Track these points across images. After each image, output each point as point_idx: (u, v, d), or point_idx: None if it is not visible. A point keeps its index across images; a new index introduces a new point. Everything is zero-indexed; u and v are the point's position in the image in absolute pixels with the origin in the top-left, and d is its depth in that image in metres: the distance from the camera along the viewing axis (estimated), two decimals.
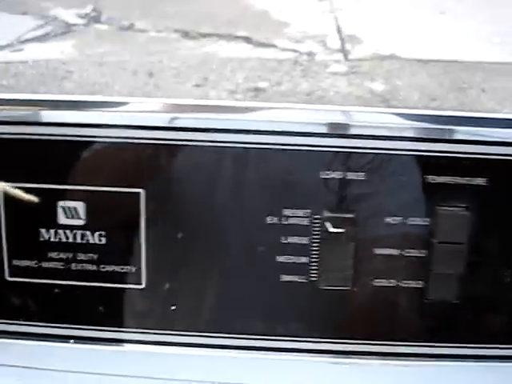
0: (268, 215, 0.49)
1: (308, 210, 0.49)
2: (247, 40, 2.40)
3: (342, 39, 2.48)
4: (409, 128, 0.48)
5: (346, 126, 0.49)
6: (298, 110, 0.50)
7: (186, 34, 2.42)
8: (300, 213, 0.49)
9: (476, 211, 0.48)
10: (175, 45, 2.24)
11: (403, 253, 0.49)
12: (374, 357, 0.51)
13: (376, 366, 0.51)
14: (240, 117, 0.49)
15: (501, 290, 0.50)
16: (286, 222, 0.49)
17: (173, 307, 0.51)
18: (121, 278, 0.51)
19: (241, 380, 0.52)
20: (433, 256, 0.49)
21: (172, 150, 0.49)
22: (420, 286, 0.50)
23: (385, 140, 0.48)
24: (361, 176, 0.48)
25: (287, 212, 0.49)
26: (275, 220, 0.49)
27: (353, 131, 0.48)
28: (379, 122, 0.49)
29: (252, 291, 0.51)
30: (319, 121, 0.49)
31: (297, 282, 0.50)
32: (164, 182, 0.50)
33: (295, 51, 2.31)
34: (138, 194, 0.49)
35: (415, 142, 0.48)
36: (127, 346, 0.52)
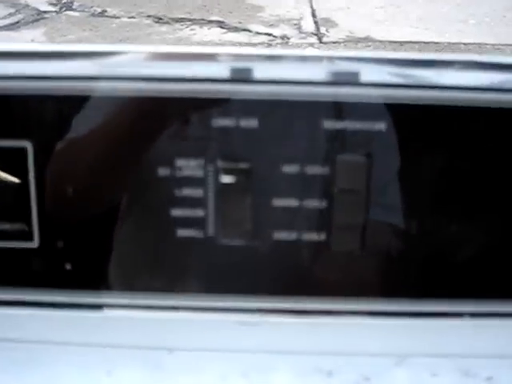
0: (160, 167, 0.47)
1: (201, 161, 0.47)
2: (220, 24, 2.39)
3: (316, 23, 2.46)
4: (306, 71, 0.46)
5: (245, 70, 0.46)
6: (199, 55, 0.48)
7: (158, 20, 2.40)
8: (193, 163, 0.47)
9: (376, 158, 0.46)
10: (148, 30, 2.22)
11: (303, 204, 0.47)
12: (276, 314, 0.49)
13: (275, 324, 0.49)
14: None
15: (406, 242, 0.47)
16: (180, 174, 0.47)
17: (67, 266, 0.49)
18: (11, 236, 0.48)
19: (137, 338, 0.50)
20: (333, 206, 0.47)
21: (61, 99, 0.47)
22: (322, 239, 0.48)
23: (279, 84, 0.46)
24: (254, 123, 0.46)
25: (180, 163, 0.47)
26: (168, 172, 0.47)
27: (251, 76, 0.46)
28: (277, 66, 0.46)
29: (150, 248, 0.49)
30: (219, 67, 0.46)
31: (194, 237, 0.48)
32: (54, 135, 0.48)
33: (269, 35, 2.29)
34: (25, 147, 0.47)
35: (311, 86, 0.46)
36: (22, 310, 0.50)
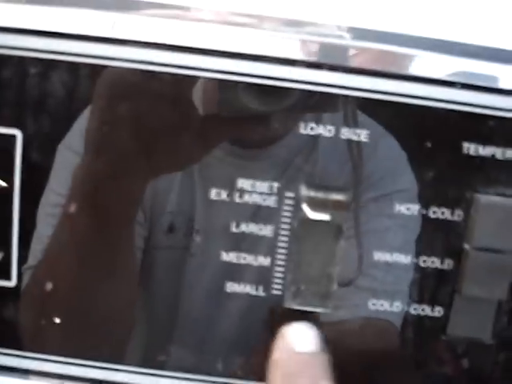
0: (215, 188, 0.31)
1: (276, 184, 0.31)
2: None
3: None
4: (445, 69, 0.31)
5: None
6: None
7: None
8: (263, 186, 0.31)
9: None
10: None
11: (419, 263, 0.32)
12: None
13: None
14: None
15: None
16: (239, 200, 0.31)
17: (56, 320, 0.33)
18: None
19: None
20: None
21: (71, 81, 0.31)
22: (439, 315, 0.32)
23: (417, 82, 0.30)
24: (363, 135, 0.31)
25: (242, 183, 0.31)
26: (225, 196, 0.31)
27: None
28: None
29: (177, 302, 0.33)
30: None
31: (250, 294, 0.32)
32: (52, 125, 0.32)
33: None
34: (14, 136, 0.31)
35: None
36: None
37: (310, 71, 0.30)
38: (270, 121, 0.30)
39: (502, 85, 0.30)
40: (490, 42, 0.31)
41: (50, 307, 0.32)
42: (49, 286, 0.32)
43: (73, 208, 0.31)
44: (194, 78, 0.30)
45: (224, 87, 0.30)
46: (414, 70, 0.30)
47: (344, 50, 0.30)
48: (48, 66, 0.30)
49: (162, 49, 0.30)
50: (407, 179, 0.31)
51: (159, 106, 0.30)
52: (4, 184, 0.31)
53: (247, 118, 0.30)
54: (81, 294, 0.32)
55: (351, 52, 0.30)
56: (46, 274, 0.32)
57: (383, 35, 0.30)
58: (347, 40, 0.30)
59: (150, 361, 0.33)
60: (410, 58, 0.30)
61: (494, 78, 0.30)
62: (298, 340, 0.28)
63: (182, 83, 0.30)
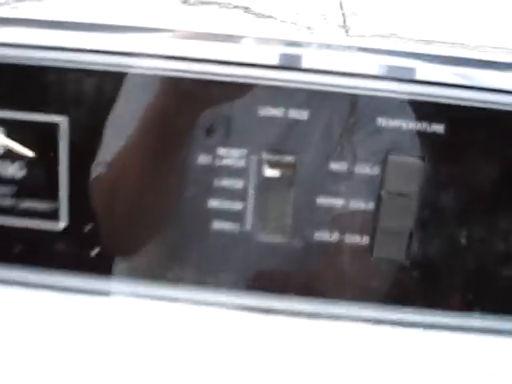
0: (200, 155, 0.44)
1: (244, 150, 0.44)
2: (246, 10, 2.36)
3: (343, 15, 2.43)
4: (364, 63, 0.43)
5: (296, 57, 0.44)
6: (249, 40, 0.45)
7: (185, 1, 2.37)
8: (236, 153, 0.44)
9: (431, 161, 0.43)
10: (171, 12, 2.18)
11: (348, 204, 0.44)
12: (306, 316, 0.46)
13: (305, 325, 0.46)
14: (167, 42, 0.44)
15: (454, 253, 0.45)
16: (220, 163, 0.44)
17: (94, 251, 0.47)
18: (39, 215, 0.46)
19: (171, 328, 0.47)
20: (381, 209, 0.44)
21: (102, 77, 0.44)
22: (366, 243, 0.45)
23: (333, 75, 0.43)
24: (304, 115, 0.43)
25: (222, 151, 0.44)
26: (209, 160, 0.44)
27: (303, 63, 0.43)
28: (331, 56, 0.44)
29: (182, 238, 0.46)
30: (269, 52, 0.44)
31: (229, 230, 0.45)
32: (90, 112, 0.45)
33: (294, 24, 2.26)
34: (60, 123, 0.45)
35: (365, 79, 0.43)
36: (48, 292, 0.48)
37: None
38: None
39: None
40: None
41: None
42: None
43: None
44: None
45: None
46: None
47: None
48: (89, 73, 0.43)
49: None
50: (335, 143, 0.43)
51: None
52: (29, 153, 0.44)
53: None
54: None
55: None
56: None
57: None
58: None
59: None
60: None
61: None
62: None
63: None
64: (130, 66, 0.44)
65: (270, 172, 0.43)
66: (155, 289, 0.47)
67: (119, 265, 0.47)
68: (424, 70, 0.44)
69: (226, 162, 0.44)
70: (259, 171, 0.44)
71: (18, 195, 0.46)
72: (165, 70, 0.44)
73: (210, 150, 0.44)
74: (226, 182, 0.44)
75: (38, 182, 0.46)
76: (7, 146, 0.45)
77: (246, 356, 0.46)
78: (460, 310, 0.46)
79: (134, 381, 0.44)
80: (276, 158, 0.43)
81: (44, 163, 0.45)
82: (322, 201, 0.44)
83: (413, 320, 0.46)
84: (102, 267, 0.47)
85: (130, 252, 0.47)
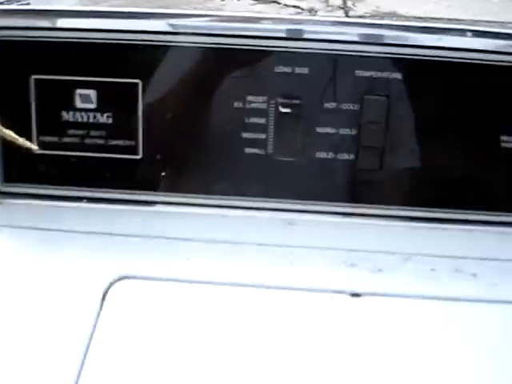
0: (235, 101, 0.64)
1: (265, 97, 0.64)
2: None
3: None
4: (347, 33, 0.63)
5: (300, 31, 0.63)
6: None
7: None
8: (259, 99, 0.64)
9: (393, 99, 0.63)
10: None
11: (338, 131, 0.64)
12: (313, 215, 0.67)
13: (309, 223, 0.67)
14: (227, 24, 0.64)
15: (415, 161, 0.65)
16: (248, 106, 0.64)
17: (163, 173, 0.67)
18: (123, 150, 0.66)
19: (220, 233, 0.67)
20: (361, 133, 0.64)
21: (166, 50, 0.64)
22: (352, 158, 0.65)
23: (325, 43, 0.63)
24: (306, 70, 0.63)
25: (250, 98, 0.64)
26: (240, 104, 0.64)
27: (304, 35, 0.63)
28: (327, 30, 0.64)
29: (224, 161, 0.66)
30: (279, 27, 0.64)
31: (257, 153, 0.65)
32: (158, 76, 0.65)
33: (297, 7, 2.43)
34: (137, 84, 0.65)
35: (347, 44, 0.63)
36: (131, 206, 0.68)
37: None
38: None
39: None
40: None
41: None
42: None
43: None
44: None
45: None
46: None
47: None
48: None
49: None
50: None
51: None
52: (34, 147, 0.64)
53: None
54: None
55: None
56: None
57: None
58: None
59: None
60: None
61: None
62: None
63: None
64: (184, 42, 0.64)
65: (284, 110, 0.63)
66: (204, 200, 0.67)
67: (179, 183, 0.68)
68: (389, 37, 0.64)
69: (252, 105, 0.64)
70: (276, 111, 0.64)
71: (108, 137, 0.66)
72: (208, 43, 0.64)
73: (242, 97, 0.64)
74: (253, 119, 0.64)
75: (121, 126, 0.66)
76: (17, 139, 0.64)
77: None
78: (419, 206, 0.66)
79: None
80: (287, 101, 0.63)
81: (126, 113, 0.66)
82: (320, 130, 0.64)
83: (386, 214, 0.67)
84: (168, 186, 0.67)
85: (186, 173, 0.67)
